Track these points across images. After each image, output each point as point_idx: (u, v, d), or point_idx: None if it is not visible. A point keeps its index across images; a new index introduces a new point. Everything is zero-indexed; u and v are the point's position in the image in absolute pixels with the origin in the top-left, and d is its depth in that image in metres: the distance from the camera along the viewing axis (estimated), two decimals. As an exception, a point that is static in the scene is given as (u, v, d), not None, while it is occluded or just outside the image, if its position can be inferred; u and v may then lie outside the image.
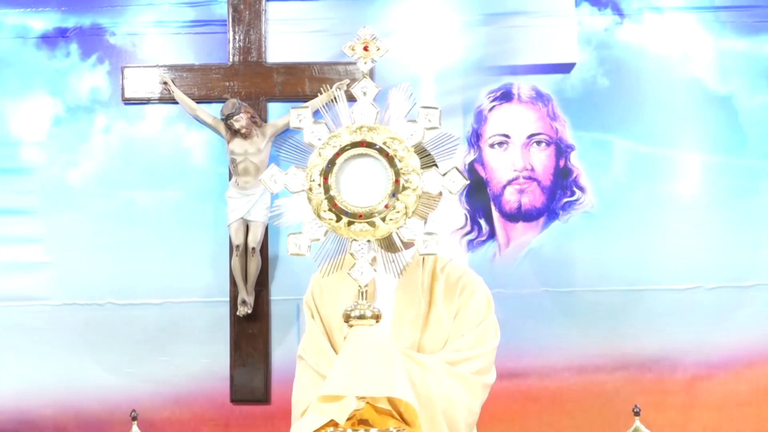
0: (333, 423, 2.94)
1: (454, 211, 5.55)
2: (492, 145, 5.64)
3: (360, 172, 3.00)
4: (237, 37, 5.62)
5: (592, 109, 5.62)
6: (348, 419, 2.99)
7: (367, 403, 2.99)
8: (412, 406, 2.97)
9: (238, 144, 5.45)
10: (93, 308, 5.61)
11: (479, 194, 5.62)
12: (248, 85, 5.59)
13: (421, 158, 2.95)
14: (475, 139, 5.63)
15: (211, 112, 5.58)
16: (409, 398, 2.97)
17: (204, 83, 5.63)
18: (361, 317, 3.01)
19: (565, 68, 5.62)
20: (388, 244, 2.98)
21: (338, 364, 3.00)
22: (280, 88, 5.62)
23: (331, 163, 3.00)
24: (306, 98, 5.53)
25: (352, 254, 3.00)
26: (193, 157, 5.66)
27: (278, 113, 5.57)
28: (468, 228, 5.61)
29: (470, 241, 5.60)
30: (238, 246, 5.47)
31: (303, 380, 3.21)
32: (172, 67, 5.64)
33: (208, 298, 5.59)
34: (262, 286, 5.54)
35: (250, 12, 5.62)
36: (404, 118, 3.02)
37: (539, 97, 5.62)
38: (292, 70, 5.58)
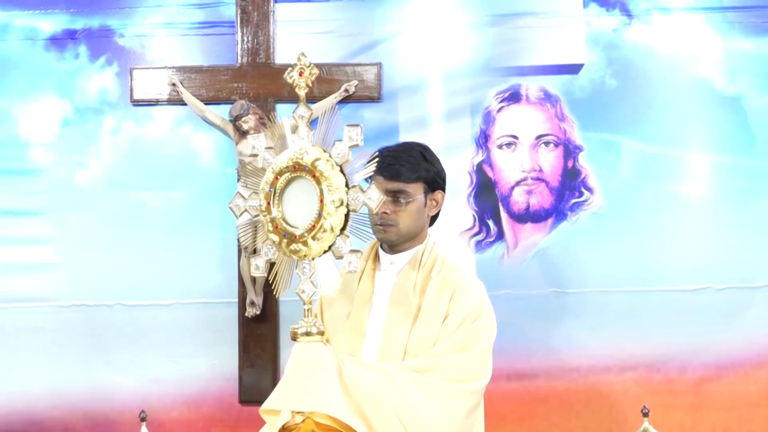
0: None
1: (461, 213, 5.56)
2: (500, 146, 5.64)
3: (299, 193, 3.14)
4: (245, 38, 5.62)
5: (600, 109, 5.61)
6: None
7: (308, 418, 3.04)
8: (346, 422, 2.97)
9: (246, 145, 5.45)
10: (101, 309, 5.61)
11: (487, 195, 5.62)
12: (256, 87, 5.59)
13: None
14: (483, 140, 5.63)
15: (220, 113, 5.59)
16: (336, 413, 3.00)
17: (212, 84, 5.64)
18: (308, 334, 3.10)
19: (574, 69, 5.62)
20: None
21: (282, 379, 3.10)
22: (288, 90, 5.59)
23: (272, 186, 3.13)
24: (314, 99, 5.54)
25: (298, 273, 3.11)
26: (202, 159, 5.67)
27: (286, 115, 5.56)
28: (476, 229, 5.60)
29: (478, 242, 5.60)
30: (246, 247, 5.47)
31: None
32: (181, 69, 5.65)
33: (216, 299, 5.60)
34: (270, 287, 5.53)
35: (258, 13, 5.63)
36: (333, 138, 3.14)
37: (547, 98, 5.62)
38: (301, 71, 5.58)
